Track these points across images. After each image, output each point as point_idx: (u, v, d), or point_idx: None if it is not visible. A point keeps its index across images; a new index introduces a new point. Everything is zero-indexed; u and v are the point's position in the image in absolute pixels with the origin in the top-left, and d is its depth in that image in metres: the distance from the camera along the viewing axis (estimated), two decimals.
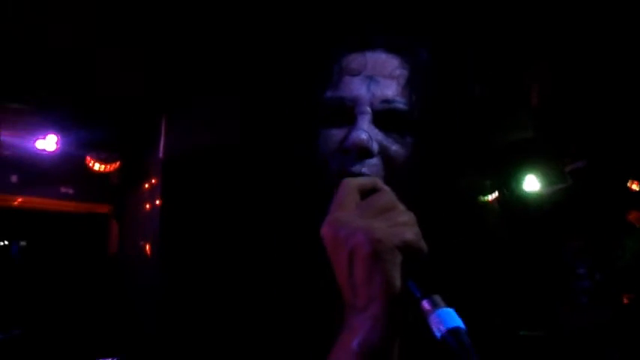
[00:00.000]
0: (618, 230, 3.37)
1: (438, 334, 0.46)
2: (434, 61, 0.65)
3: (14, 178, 3.53)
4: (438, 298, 0.48)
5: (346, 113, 0.63)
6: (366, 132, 0.61)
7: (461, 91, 0.66)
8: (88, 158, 3.81)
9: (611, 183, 3.89)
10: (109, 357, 2.87)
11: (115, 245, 4.16)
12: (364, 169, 0.61)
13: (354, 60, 0.64)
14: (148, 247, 3.90)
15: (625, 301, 3.31)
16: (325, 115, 0.63)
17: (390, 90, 0.63)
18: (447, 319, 0.47)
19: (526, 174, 4.22)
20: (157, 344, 3.17)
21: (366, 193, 0.54)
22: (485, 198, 4.37)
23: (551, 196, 4.07)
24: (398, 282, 0.49)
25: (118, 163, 3.92)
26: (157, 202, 3.77)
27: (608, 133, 3.63)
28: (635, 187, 4.06)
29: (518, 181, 4.31)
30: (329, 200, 0.55)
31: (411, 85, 0.63)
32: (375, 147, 0.62)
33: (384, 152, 0.62)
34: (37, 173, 3.51)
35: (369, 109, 0.62)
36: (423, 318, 0.48)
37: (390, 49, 0.65)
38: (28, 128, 3.28)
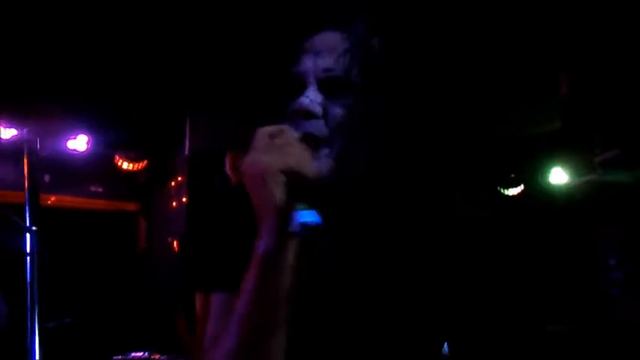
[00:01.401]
0: None
1: (294, 227, 0.62)
2: (369, 32, 0.76)
3: (47, 178, 3.65)
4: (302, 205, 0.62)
5: (300, 84, 0.74)
6: (307, 97, 0.72)
7: (399, 55, 0.76)
8: (117, 157, 3.92)
9: None
10: (139, 350, 2.95)
11: (144, 242, 4.27)
12: (309, 128, 0.71)
13: (307, 41, 0.76)
14: (175, 243, 3.99)
15: None
16: (289, 87, 0.75)
17: (330, 61, 0.74)
18: (305, 216, 0.61)
19: (552, 166, 4.15)
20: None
21: (274, 136, 0.66)
22: (508, 191, 4.31)
23: (580, 187, 3.98)
24: (282, 198, 0.62)
25: (145, 162, 4.02)
26: (183, 199, 3.85)
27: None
28: None
29: (544, 174, 4.24)
30: None
31: (351, 55, 0.74)
32: (317, 109, 0.72)
33: (326, 114, 0.72)
34: (69, 173, 3.63)
35: (313, 79, 0.73)
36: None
37: (335, 28, 0.76)
38: (60, 129, 3.40)
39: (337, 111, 0.73)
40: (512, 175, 4.38)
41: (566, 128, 3.78)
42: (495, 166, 4.20)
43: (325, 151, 0.71)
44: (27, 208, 1.52)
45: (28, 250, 1.45)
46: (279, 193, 0.63)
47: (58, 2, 2.62)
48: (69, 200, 3.77)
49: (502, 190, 4.37)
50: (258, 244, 0.65)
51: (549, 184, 4.22)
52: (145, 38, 2.89)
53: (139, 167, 4.02)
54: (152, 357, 2.90)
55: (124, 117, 3.64)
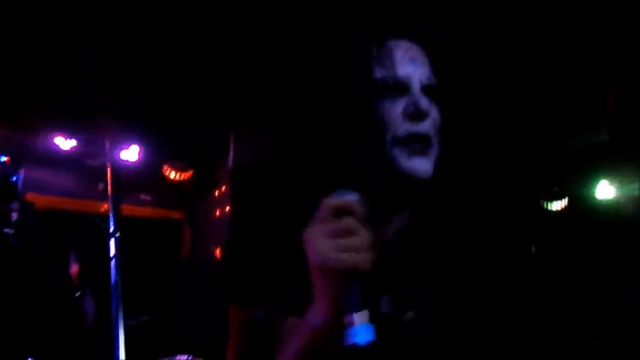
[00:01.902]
0: None
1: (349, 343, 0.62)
2: (440, 50, 0.84)
3: (101, 186, 3.86)
4: (364, 314, 0.62)
5: (400, 88, 0.80)
6: (420, 99, 0.79)
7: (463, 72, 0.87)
8: (165, 167, 4.09)
9: None
10: (184, 354, 3.06)
11: (188, 249, 4.42)
12: (422, 129, 0.78)
13: (397, 47, 0.81)
14: (217, 251, 4.11)
15: None
16: (382, 90, 0.80)
17: (427, 69, 0.82)
18: (360, 334, 0.61)
19: (599, 180, 4.03)
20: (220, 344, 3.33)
21: (339, 212, 0.67)
22: (552, 205, 4.21)
23: (627, 202, 3.86)
24: (339, 292, 0.64)
25: (191, 172, 4.18)
26: (227, 208, 3.98)
27: None
28: None
29: (590, 188, 4.12)
30: (391, 163, 0.77)
31: (432, 67, 0.83)
32: (429, 112, 0.80)
33: (430, 115, 0.80)
34: (120, 181, 3.82)
35: (418, 83, 0.80)
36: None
37: (413, 39, 0.83)
38: (113, 140, 3.59)
39: (437, 115, 0.81)
40: (556, 189, 4.28)
41: (613, 141, 3.68)
42: (539, 179, 4.12)
43: (434, 150, 0.78)
44: (111, 216, 1.67)
45: (112, 254, 1.58)
46: (337, 289, 0.64)
47: (112, 14, 2.77)
48: (120, 208, 3.96)
49: (546, 204, 4.27)
50: (312, 314, 0.67)
51: (595, 198, 4.11)
52: (196, 53, 3.03)
53: (186, 177, 4.18)
54: None
55: (173, 129, 3.81)
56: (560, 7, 2.65)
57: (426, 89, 0.80)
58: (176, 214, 4.42)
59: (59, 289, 2.97)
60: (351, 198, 0.67)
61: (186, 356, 3.02)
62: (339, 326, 0.64)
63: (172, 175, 4.12)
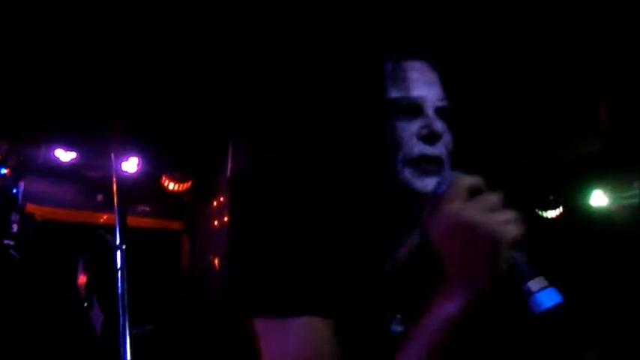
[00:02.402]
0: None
1: (536, 310, 0.60)
2: (451, 71, 0.86)
3: (100, 198, 3.88)
4: (540, 280, 0.61)
5: (415, 109, 0.81)
6: (435, 121, 0.80)
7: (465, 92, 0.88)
8: (164, 178, 4.12)
9: None
10: None
11: (187, 259, 4.43)
12: (438, 151, 0.79)
13: (411, 68, 0.82)
14: (216, 261, 4.13)
15: None
16: (396, 111, 0.80)
17: (440, 91, 0.83)
18: (548, 297, 0.59)
19: (593, 189, 4.09)
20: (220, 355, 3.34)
21: (473, 191, 0.69)
22: (547, 214, 4.26)
23: (620, 211, 3.91)
24: (503, 267, 0.65)
25: (190, 183, 4.20)
26: (225, 219, 4.00)
27: None
28: None
29: (585, 197, 4.18)
30: (402, 183, 0.77)
31: (443, 88, 0.84)
32: (443, 134, 0.81)
33: (443, 137, 0.81)
34: (119, 193, 3.84)
35: (432, 105, 0.81)
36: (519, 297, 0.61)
37: (426, 60, 0.85)
38: (112, 151, 3.62)
39: (449, 137, 0.82)
40: (551, 197, 4.34)
41: (606, 150, 3.74)
42: (534, 187, 4.17)
43: (447, 172, 0.77)
44: (117, 228, 1.71)
45: (118, 265, 1.62)
46: (503, 264, 0.64)
47: (111, 25, 2.80)
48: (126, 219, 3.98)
49: (541, 213, 4.32)
50: (448, 303, 0.66)
51: (589, 206, 4.16)
52: (195, 63, 3.07)
53: (184, 187, 4.20)
54: None
55: (171, 140, 3.84)
56: (557, 26, 2.72)
57: (439, 111, 0.81)
58: (175, 225, 4.44)
59: (67, 300, 2.99)
60: (478, 178, 0.69)
61: None
62: (483, 306, 0.66)
63: (171, 186, 4.14)
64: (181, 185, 4.14)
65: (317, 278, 0.75)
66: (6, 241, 3.27)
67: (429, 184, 0.77)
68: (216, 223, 4.18)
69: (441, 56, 0.86)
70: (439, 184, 0.73)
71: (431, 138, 0.79)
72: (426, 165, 0.78)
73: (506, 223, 0.65)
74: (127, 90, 3.29)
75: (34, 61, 3.00)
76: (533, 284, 0.61)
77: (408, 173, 0.78)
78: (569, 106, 3.38)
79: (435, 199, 0.71)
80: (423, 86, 0.82)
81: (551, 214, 4.33)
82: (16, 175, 3.37)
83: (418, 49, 0.85)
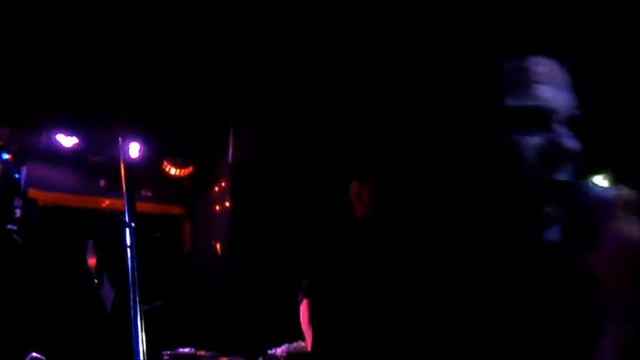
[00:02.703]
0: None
1: None
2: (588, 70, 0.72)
3: (102, 182, 3.90)
4: None
5: (540, 121, 0.64)
6: (567, 138, 0.64)
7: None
8: (165, 163, 4.13)
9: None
10: (186, 347, 3.11)
11: (189, 244, 4.47)
12: (566, 176, 0.63)
13: (537, 67, 0.66)
14: (218, 245, 4.17)
15: None
16: (518, 122, 0.64)
17: (571, 97, 0.67)
18: None
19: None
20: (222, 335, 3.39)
21: (629, 206, 0.57)
22: None
23: None
24: None
25: (191, 168, 4.21)
26: (227, 203, 4.03)
27: None
28: None
29: None
30: (527, 203, 0.62)
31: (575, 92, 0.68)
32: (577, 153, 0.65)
33: (575, 156, 0.65)
34: (128, 174, 3.85)
35: (562, 116, 0.65)
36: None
37: (559, 57, 0.68)
38: (119, 135, 3.62)
39: (578, 151, 0.65)
40: None
41: None
42: None
43: (589, 184, 0.62)
44: (126, 207, 1.73)
45: (128, 243, 1.66)
46: None
47: (111, 11, 2.78)
48: (121, 203, 4.00)
49: None
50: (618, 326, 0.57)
51: None
52: (196, 49, 3.05)
53: (185, 173, 4.21)
54: (197, 353, 3.06)
55: (173, 125, 3.84)
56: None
57: (570, 120, 0.65)
58: (176, 210, 4.47)
59: (75, 281, 3.02)
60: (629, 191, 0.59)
61: (188, 349, 3.08)
62: None
63: (172, 171, 4.16)
64: (182, 170, 4.16)
65: None
66: (9, 226, 3.29)
67: (553, 233, 0.62)
68: (217, 207, 4.21)
69: (573, 53, 0.69)
70: (574, 202, 0.59)
71: (557, 158, 0.63)
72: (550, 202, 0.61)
73: None
74: (129, 76, 3.28)
75: (35, 48, 2.99)
76: None
77: (530, 199, 0.62)
78: None
79: (577, 221, 0.59)
80: (552, 92, 0.65)
81: None
82: (18, 161, 3.39)
83: (549, 42, 0.68)
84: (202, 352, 3.07)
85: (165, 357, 2.94)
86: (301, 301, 2.50)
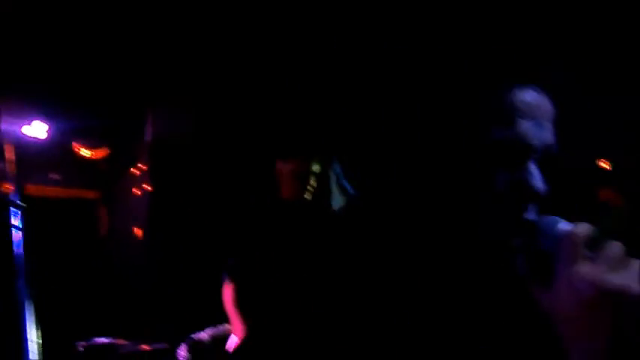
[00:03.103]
0: (591, 209, 3.52)
1: None
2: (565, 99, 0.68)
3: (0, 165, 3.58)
4: None
5: (515, 155, 0.62)
6: (538, 179, 0.62)
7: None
8: (75, 145, 3.87)
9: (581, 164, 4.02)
10: (103, 336, 2.98)
11: (105, 229, 4.25)
12: (531, 217, 0.62)
13: (524, 101, 0.63)
14: (137, 230, 4.00)
15: None
16: (494, 155, 0.62)
17: (550, 135, 0.64)
18: None
19: None
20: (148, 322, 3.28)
21: (590, 243, 0.56)
22: None
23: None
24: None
25: (105, 150, 3.99)
26: (146, 185, 3.86)
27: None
28: (604, 165, 4.23)
29: None
30: (492, 236, 0.61)
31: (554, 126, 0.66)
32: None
33: (543, 197, 0.64)
34: (27, 161, 3.57)
35: (535, 154, 0.63)
36: None
37: (539, 89, 0.65)
38: (18, 116, 3.33)
39: (549, 194, 0.64)
40: None
41: None
42: None
43: (544, 220, 0.61)
44: (16, 188, 1.59)
45: (19, 224, 1.52)
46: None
47: None
48: (27, 188, 3.71)
49: None
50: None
51: None
52: (105, 22, 2.87)
53: (99, 155, 3.99)
54: (116, 343, 2.94)
55: (83, 103, 3.60)
56: None
57: (543, 159, 0.64)
58: (90, 194, 4.22)
59: None
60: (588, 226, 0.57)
61: (104, 339, 2.95)
62: None
63: (84, 152, 3.91)
64: (96, 152, 3.92)
65: None
66: None
67: (520, 268, 0.62)
68: (136, 191, 4.02)
69: (561, 81, 0.67)
70: (537, 238, 0.59)
71: (526, 199, 0.62)
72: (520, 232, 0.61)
73: (636, 280, 0.54)
74: (34, 51, 3.02)
75: None
76: None
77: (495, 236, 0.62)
78: None
79: (539, 257, 0.58)
80: (533, 128, 0.62)
81: None
82: None
83: (536, 72, 0.65)
84: (121, 342, 2.95)
85: (80, 349, 2.79)
86: (226, 283, 2.47)
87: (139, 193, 4.03)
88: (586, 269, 0.55)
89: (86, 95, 3.52)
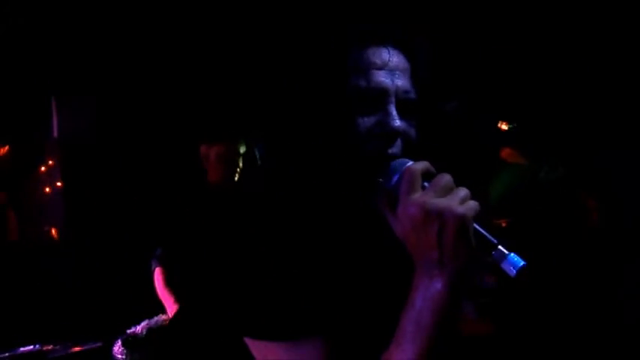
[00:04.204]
0: (490, 166, 3.85)
1: (512, 273, 0.65)
2: (424, 58, 0.80)
3: None
4: (503, 247, 0.66)
5: (375, 102, 0.73)
6: (397, 120, 0.73)
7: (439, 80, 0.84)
8: None
9: (481, 125, 4.39)
10: (27, 344, 2.84)
11: (15, 233, 3.97)
12: (395, 151, 0.74)
13: (377, 55, 0.74)
14: (53, 230, 3.78)
15: (503, 224, 3.83)
16: (356, 102, 0.73)
17: (406, 82, 0.76)
18: (516, 261, 0.65)
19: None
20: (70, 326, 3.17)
21: (426, 175, 0.68)
22: None
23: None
24: (473, 241, 0.66)
25: (6, 148, 3.70)
26: (58, 183, 3.65)
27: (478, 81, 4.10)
28: (504, 126, 4.62)
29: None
30: (366, 177, 0.72)
31: (412, 78, 0.77)
32: (404, 132, 0.75)
33: (403, 134, 0.75)
34: None
35: (394, 99, 0.74)
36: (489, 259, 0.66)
37: (396, 46, 0.76)
38: None
39: (411, 132, 0.76)
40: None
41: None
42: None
43: (394, 162, 0.72)
44: None
45: None
46: (472, 238, 0.65)
47: None
48: None
49: None
50: (432, 283, 0.66)
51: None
52: (7, 14, 2.65)
53: (0, 154, 3.70)
54: (43, 349, 2.81)
55: None
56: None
57: (402, 103, 0.75)
58: None
59: None
60: (426, 162, 0.69)
61: (31, 346, 2.82)
62: (465, 283, 0.67)
63: None
64: None
65: (313, 300, 0.73)
66: None
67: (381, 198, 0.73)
68: (47, 189, 3.78)
69: (412, 42, 0.78)
70: (389, 175, 0.70)
71: (391, 137, 0.73)
72: (382, 164, 0.72)
73: (465, 200, 0.66)
74: None
75: None
76: (500, 251, 0.65)
77: (362, 169, 0.73)
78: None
79: (390, 191, 0.70)
80: (387, 77, 0.74)
81: None
82: None
83: (387, 34, 0.76)
84: (50, 347, 2.83)
85: (4, 359, 2.65)
86: (154, 270, 2.45)
87: (49, 191, 3.81)
88: (416, 195, 0.67)
89: None
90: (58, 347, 2.85)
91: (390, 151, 0.73)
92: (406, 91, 0.76)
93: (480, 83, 4.19)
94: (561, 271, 2.69)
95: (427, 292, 0.67)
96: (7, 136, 3.70)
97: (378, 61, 0.74)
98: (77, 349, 2.84)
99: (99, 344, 2.75)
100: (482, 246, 0.67)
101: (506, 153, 4.29)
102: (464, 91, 4.30)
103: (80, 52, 3.06)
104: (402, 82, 0.75)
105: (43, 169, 3.80)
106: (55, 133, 3.53)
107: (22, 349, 2.78)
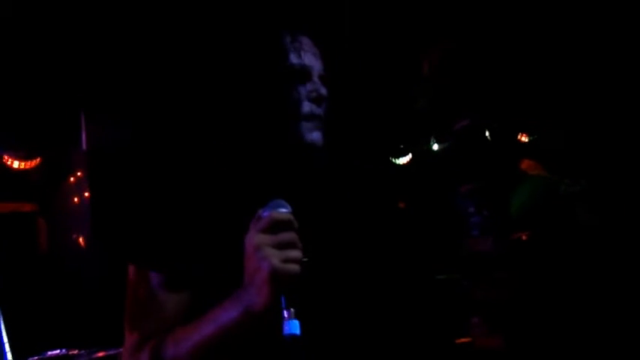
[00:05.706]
0: (509, 177, 3.84)
1: (285, 333, 0.74)
2: (328, 47, 1.02)
3: None
4: (291, 311, 0.75)
5: (306, 75, 0.95)
6: (323, 87, 0.96)
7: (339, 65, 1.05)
8: (6, 157, 3.73)
9: (502, 137, 4.41)
10: (55, 349, 2.93)
11: (46, 243, 4.12)
12: (322, 111, 0.95)
13: (304, 41, 0.97)
14: (81, 240, 3.92)
15: (523, 238, 3.80)
16: (292, 74, 0.94)
17: (321, 64, 0.99)
18: (292, 327, 0.74)
19: (432, 137, 4.67)
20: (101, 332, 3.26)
21: (279, 225, 0.79)
22: (400, 160, 4.77)
23: (445, 152, 4.57)
24: (275, 293, 0.76)
25: (38, 160, 3.86)
26: (86, 194, 3.78)
27: (495, 95, 4.11)
28: (524, 138, 4.61)
29: (428, 143, 4.75)
30: (296, 135, 0.92)
31: (328, 61, 0.99)
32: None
33: (325, 100, 0.96)
34: None
35: (317, 73, 0.97)
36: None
37: (312, 37, 1.00)
38: None
39: (326, 99, 0.97)
40: (402, 146, 4.85)
41: (433, 103, 4.29)
42: (387, 138, 4.62)
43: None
44: None
45: None
46: (276, 290, 0.76)
47: None
48: None
49: (394, 160, 4.82)
50: (229, 312, 0.80)
51: (432, 150, 4.76)
52: (36, 27, 2.80)
53: (32, 165, 3.85)
54: (69, 353, 2.90)
55: (9, 114, 3.47)
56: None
57: (322, 78, 0.97)
58: (26, 207, 4.07)
59: None
60: (287, 212, 0.79)
61: (58, 350, 2.91)
62: (257, 324, 0.79)
63: (16, 164, 3.77)
64: (28, 163, 3.79)
65: (172, 240, 0.92)
66: None
67: (316, 136, 0.94)
68: (75, 200, 3.93)
69: (322, 36, 1.01)
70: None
71: (319, 100, 0.95)
72: (314, 121, 0.94)
73: (289, 262, 0.76)
74: None
75: None
76: (287, 313, 0.75)
77: (302, 127, 0.93)
78: (401, 68, 3.81)
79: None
80: (312, 56, 0.97)
81: (402, 160, 4.85)
82: None
83: (307, 28, 0.99)
84: (76, 351, 2.92)
85: None
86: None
87: (77, 201, 3.95)
88: (259, 235, 0.79)
89: (12, 104, 3.40)
90: (83, 352, 2.94)
91: (318, 111, 0.94)
92: (322, 70, 0.98)
93: (501, 96, 4.23)
94: (581, 285, 2.66)
95: (219, 317, 0.81)
96: (38, 149, 3.86)
97: (306, 46, 0.97)
98: (102, 354, 2.92)
99: (121, 350, 2.83)
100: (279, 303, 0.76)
101: (526, 164, 4.26)
102: (478, 107, 4.36)
103: (109, 67, 3.19)
104: (319, 62, 0.98)
105: (72, 180, 3.95)
106: (84, 146, 3.67)
107: (49, 352, 2.87)
